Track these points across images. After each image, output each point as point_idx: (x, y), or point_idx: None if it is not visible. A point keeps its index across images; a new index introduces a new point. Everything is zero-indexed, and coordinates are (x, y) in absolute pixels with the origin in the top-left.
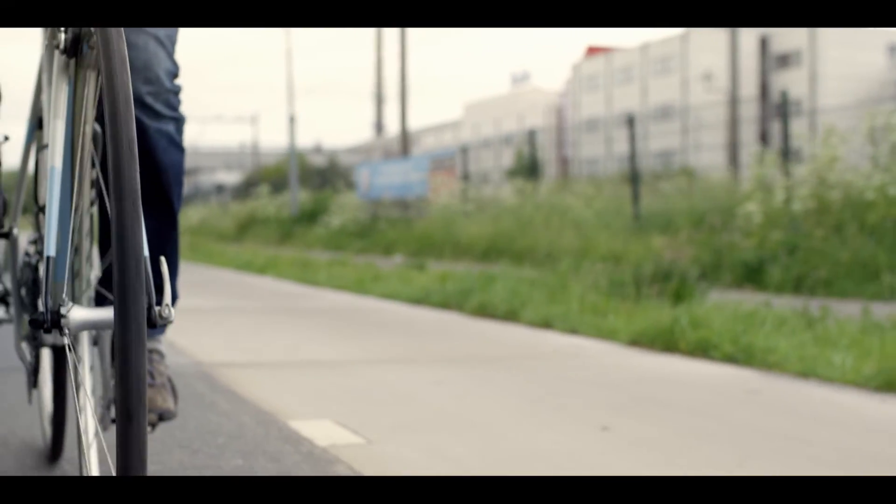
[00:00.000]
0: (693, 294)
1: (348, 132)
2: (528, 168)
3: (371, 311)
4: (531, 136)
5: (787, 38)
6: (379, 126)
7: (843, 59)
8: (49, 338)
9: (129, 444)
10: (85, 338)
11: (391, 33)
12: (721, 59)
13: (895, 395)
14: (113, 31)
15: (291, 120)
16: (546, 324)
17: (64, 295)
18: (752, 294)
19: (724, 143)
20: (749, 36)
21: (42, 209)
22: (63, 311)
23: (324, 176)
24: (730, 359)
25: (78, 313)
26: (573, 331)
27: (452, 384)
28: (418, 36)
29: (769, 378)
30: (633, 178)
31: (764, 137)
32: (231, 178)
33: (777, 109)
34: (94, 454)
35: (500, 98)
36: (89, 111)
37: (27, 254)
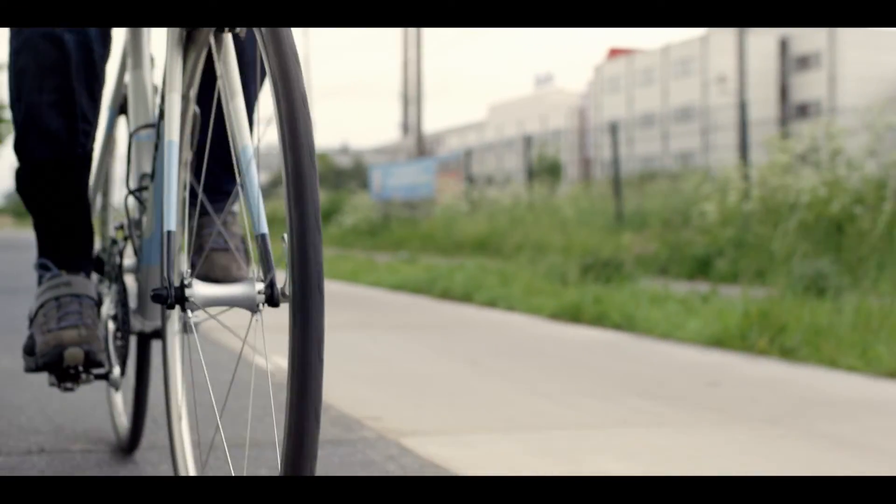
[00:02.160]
0: (626, 280)
1: (376, 132)
2: (528, 171)
3: (353, 295)
4: (526, 141)
5: (807, 39)
6: (405, 126)
7: (863, 60)
8: (136, 324)
9: (303, 439)
10: (176, 324)
11: (420, 34)
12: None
13: (715, 348)
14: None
15: None
16: (492, 303)
17: (185, 270)
18: (699, 283)
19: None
20: (769, 38)
21: (132, 192)
22: (187, 286)
23: (340, 177)
24: (617, 326)
25: (202, 289)
26: (511, 308)
27: (385, 340)
28: (446, 37)
29: (635, 338)
30: (616, 180)
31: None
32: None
33: (797, 111)
34: (188, 446)
35: (524, 99)
36: (195, 88)
37: (113, 240)
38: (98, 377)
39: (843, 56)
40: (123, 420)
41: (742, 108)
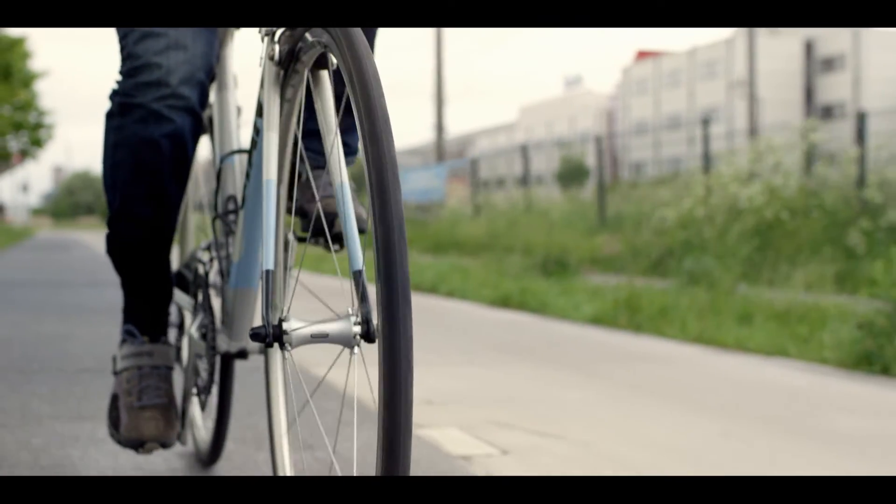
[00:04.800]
0: (570, 274)
1: (411, 133)
2: (523, 178)
3: (332, 287)
4: (524, 150)
5: (832, 41)
6: (439, 128)
7: (888, 62)
8: (222, 344)
9: (395, 444)
10: (278, 356)
11: (452, 35)
12: (766, 63)
13: (592, 325)
14: (361, 44)
15: None
16: (451, 294)
17: (284, 308)
18: (651, 280)
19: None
20: (794, 40)
21: (219, 216)
22: (286, 325)
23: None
24: (533, 310)
25: (299, 328)
26: (463, 297)
27: None
28: (479, 39)
29: (539, 319)
30: (600, 186)
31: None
32: None
33: (822, 112)
34: (287, 458)
35: (554, 101)
36: (292, 125)
37: (199, 260)
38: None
39: (867, 58)
40: (203, 434)
41: (705, 123)
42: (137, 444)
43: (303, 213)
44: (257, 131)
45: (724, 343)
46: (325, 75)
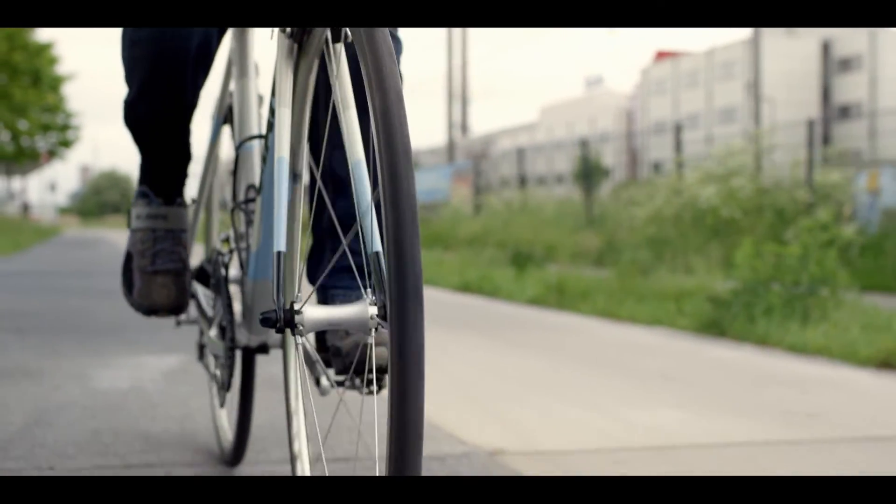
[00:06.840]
0: (534, 266)
1: (431, 133)
2: (519, 179)
3: None
4: (520, 154)
5: (849, 42)
6: (463, 127)
7: None
8: (242, 338)
9: (405, 445)
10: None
11: (475, 36)
12: (783, 64)
13: (529, 305)
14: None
15: None
16: (426, 282)
17: (297, 292)
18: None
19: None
20: (811, 40)
21: (239, 206)
22: (297, 308)
23: None
24: (489, 295)
25: (313, 312)
26: (434, 284)
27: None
28: (500, 39)
29: (489, 301)
30: (587, 188)
31: (826, 139)
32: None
33: (839, 112)
34: (305, 453)
35: (574, 101)
36: (307, 100)
37: (218, 252)
38: None
39: (884, 58)
40: (228, 434)
41: (677, 129)
42: (149, 311)
43: (336, 352)
44: (272, 112)
45: (619, 317)
46: (341, 49)
